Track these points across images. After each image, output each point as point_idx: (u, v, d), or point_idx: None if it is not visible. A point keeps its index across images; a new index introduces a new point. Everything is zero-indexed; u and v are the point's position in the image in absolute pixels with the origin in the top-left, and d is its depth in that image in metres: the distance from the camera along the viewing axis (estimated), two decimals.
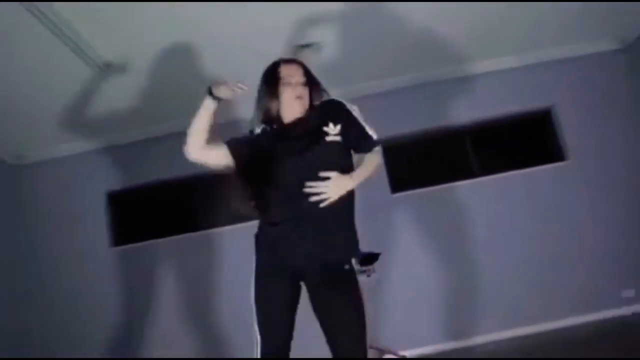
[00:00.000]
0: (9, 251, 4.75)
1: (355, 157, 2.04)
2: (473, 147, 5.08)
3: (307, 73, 2.00)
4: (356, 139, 1.98)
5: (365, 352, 1.81)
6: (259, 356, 1.86)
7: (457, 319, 4.67)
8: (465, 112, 5.02)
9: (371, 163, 1.98)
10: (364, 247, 4.36)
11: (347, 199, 1.90)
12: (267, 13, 3.49)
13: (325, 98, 2.03)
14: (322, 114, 1.96)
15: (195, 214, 5.05)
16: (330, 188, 1.81)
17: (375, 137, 2.03)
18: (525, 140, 5.16)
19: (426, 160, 5.12)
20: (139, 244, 4.94)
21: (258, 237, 1.98)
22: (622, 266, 4.67)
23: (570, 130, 4.96)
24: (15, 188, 4.98)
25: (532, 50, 4.95)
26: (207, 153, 1.99)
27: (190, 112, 4.42)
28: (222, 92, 1.87)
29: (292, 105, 1.92)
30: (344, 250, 1.90)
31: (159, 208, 5.11)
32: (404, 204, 4.89)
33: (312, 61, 4.12)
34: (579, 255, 4.71)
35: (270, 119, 1.95)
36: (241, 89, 1.85)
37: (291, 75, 1.93)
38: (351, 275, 1.86)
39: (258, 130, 2.04)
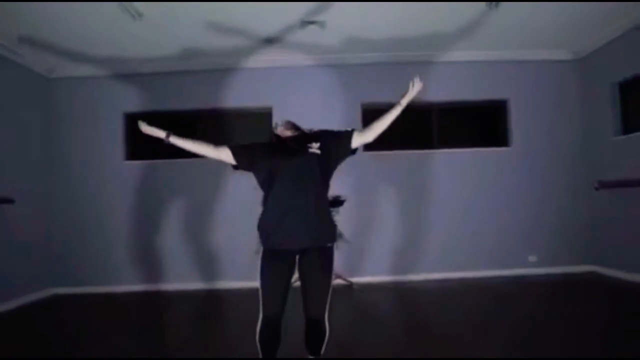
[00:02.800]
0: (40, 155, 5.63)
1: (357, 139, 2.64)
2: (437, 123, 6.06)
3: (295, 128, 2.66)
4: (339, 139, 2.58)
5: (325, 312, 2.43)
6: (260, 318, 2.42)
7: (399, 259, 5.80)
8: (435, 92, 5.89)
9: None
10: (339, 190, 5.44)
11: (324, 198, 2.50)
12: None
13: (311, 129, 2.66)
14: (308, 137, 2.56)
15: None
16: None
17: (350, 128, 2.64)
18: (481, 124, 6.18)
19: (396, 127, 6.05)
20: (148, 162, 5.87)
21: (260, 226, 2.47)
22: (532, 236, 5.86)
23: (518, 122, 5.97)
24: (46, 98, 5.75)
25: (499, 48, 5.83)
26: (217, 156, 2.57)
27: (199, 54, 5.10)
28: (159, 134, 2.62)
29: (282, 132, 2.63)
30: (326, 236, 2.45)
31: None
32: (374, 160, 5.88)
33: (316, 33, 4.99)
34: (501, 223, 5.86)
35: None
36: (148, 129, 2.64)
37: (282, 133, 2.63)
38: (330, 254, 2.46)
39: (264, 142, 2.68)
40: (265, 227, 2.45)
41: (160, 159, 5.80)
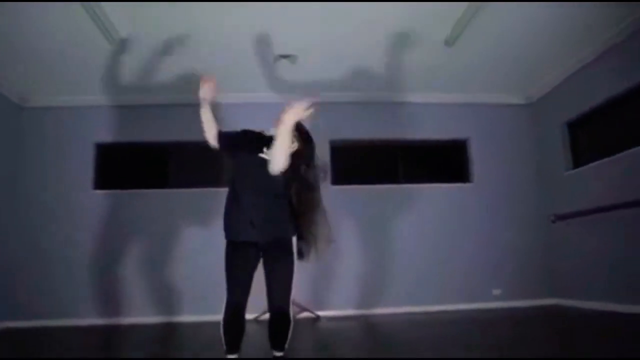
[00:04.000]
0: (8, 181, 5.60)
1: None
2: (402, 160, 6.33)
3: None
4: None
5: (288, 302, 2.46)
6: (224, 304, 2.44)
7: (365, 292, 5.81)
8: (401, 131, 6.25)
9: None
10: None
11: (284, 194, 2.56)
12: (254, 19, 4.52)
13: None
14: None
15: (168, 173, 6.01)
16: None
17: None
18: (443, 161, 6.49)
19: (363, 163, 6.33)
20: (118, 191, 5.86)
21: (227, 211, 2.55)
22: (496, 270, 5.99)
23: (478, 160, 6.30)
24: (17, 127, 5.79)
25: (461, 92, 6.26)
26: (206, 127, 2.70)
27: (177, 88, 5.44)
28: (205, 94, 2.65)
29: None
30: (285, 229, 2.52)
31: (139, 164, 6.05)
32: (341, 194, 6.01)
33: (286, 70, 5.28)
34: (466, 257, 6.00)
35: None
36: (208, 84, 2.62)
37: None
38: (289, 246, 2.51)
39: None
40: (226, 219, 2.55)
41: (130, 189, 5.81)
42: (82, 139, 5.91)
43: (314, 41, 4.90)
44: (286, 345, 2.58)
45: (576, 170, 5.64)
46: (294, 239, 2.57)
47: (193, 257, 5.61)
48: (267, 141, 2.60)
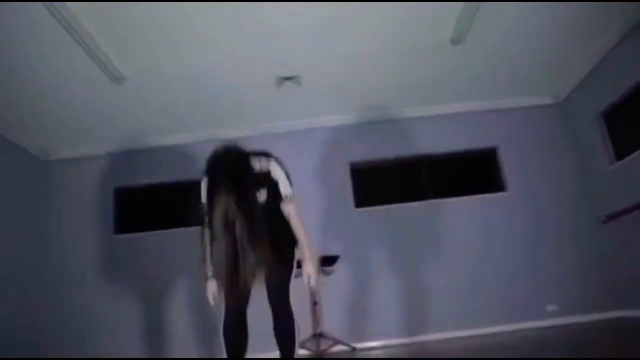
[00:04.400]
0: (34, 233, 5.65)
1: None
2: (427, 175, 5.99)
3: None
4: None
5: (288, 299, 2.42)
6: (224, 312, 2.41)
7: (404, 319, 5.33)
8: (424, 145, 5.96)
9: (297, 229, 2.52)
10: (332, 250, 5.23)
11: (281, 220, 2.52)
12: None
13: None
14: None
15: (188, 212, 5.91)
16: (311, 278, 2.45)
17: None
18: (473, 172, 6.09)
19: (386, 183, 6.03)
20: (139, 234, 5.80)
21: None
22: (548, 283, 5.39)
23: (510, 167, 5.87)
24: (41, 180, 5.90)
25: (481, 99, 5.97)
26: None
27: (191, 128, 5.46)
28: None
29: None
30: (290, 240, 2.52)
31: (158, 205, 6.00)
32: (365, 217, 5.72)
33: (293, 92, 5.21)
34: (511, 272, 5.45)
35: None
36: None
37: None
38: (292, 255, 2.52)
39: None
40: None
41: (148, 230, 5.75)
42: (103, 185, 5.95)
43: (316, 60, 4.81)
44: (295, 353, 2.39)
45: (619, 162, 5.11)
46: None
47: None
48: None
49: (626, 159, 4.98)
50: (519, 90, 5.88)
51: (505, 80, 5.63)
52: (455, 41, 4.67)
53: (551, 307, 5.32)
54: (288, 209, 2.48)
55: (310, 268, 2.43)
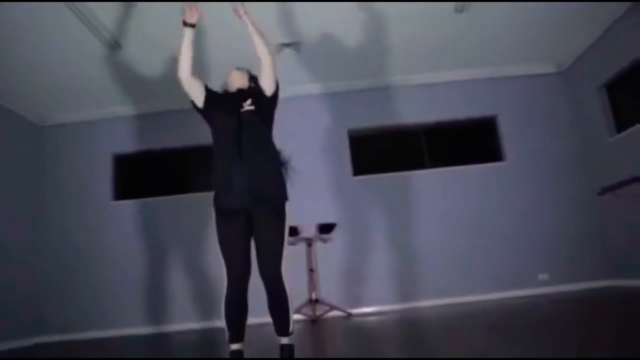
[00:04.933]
0: (32, 196, 5.68)
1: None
2: (427, 143, 5.96)
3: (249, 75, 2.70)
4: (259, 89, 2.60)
5: (280, 268, 2.34)
6: (226, 285, 2.35)
7: (400, 286, 5.44)
8: (423, 113, 5.91)
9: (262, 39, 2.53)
10: (330, 217, 5.27)
11: (270, 154, 2.49)
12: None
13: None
14: (247, 92, 2.57)
15: (187, 179, 5.93)
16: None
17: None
18: (472, 141, 6.07)
19: (385, 151, 6.01)
20: (138, 200, 5.80)
21: (213, 180, 2.45)
22: (540, 252, 5.48)
23: (510, 137, 5.84)
24: (38, 145, 5.87)
25: (484, 66, 5.85)
26: (192, 80, 2.50)
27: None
28: (189, 17, 2.45)
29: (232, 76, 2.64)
30: (275, 194, 2.41)
31: (157, 171, 6.00)
32: (364, 185, 5.73)
33: (294, 61, 5.10)
34: (506, 241, 5.53)
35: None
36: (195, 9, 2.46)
37: (231, 82, 2.65)
38: (282, 211, 2.39)
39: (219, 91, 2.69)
40: (215, 187, 2.44)
41: (151, 196, 5.77)
42: (101, 151, 5.91)
43: (317, 27, 4.69)
44: (291, 330, 2.40)
45: (620, 134, 5.09)
46: (287, 205, 2.45)
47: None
48: (244, 96, 2.52)
49: (627, 131, 4.96)
50: (521, 58, 5.77)
51: (508, 48, 5.51)
52: (459, 9, 4.54)
53: (542, 276, 5.44)
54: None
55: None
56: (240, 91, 2.57)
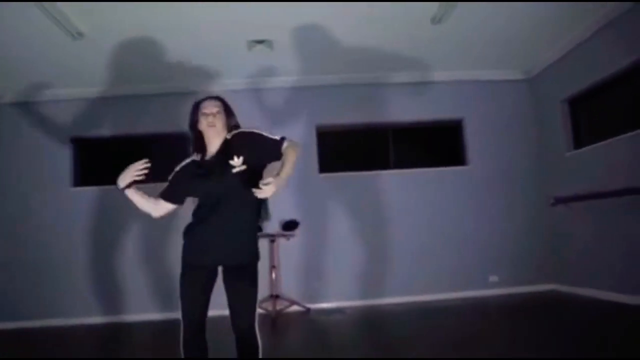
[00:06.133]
0: None
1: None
2: (393, 144, 6.02)
3: (224, 105, 2.41)
4: (267, 149, 2.34)
5: (254, 320, 2.31)
6: (182, 329, 2.30)
7: (357, 283, 5.60)
8: (392, 113, 5.92)
9: (290, 158, 2.26)
10: (293, 215, 5.32)
11: (250, 211, 2.34)
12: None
13: (238, 130, 2.42)
14: (231, 147, 2.32)
15: (151, 167, 5.79)
16: (266, 190, 2.12)
17: (279, 137, 2.37)
18: (438, 144, 6.17)
19: (352, 149, 6.05)
20: (99, 187, 5.65)
21: (186, 233, 2.38)
22: (493, 256, 5.74)
23: (474, 141, 5.97)
24: None
25: (451, 69, 5.86)
26: (164, 211, 2.48)
27: (150, 77, 5.18)
28: (124, 180, 2.32)
29: (207, 133, 2.34)
30: (249, 254, 2.36)
31: (120, 158, 5.80)
32: (329, 183, 5.79)
33: (265, 55, 4.98)
34: (461, 243, 5.76)
35: (198, 148, 2.39)
36: (141, 170, 2.31)
37: (207, 107, 2.35)
38: (253, 270, 2.36)
39: (188, 160, 2.45)
40: (186, 238, 2.38)
41: (111, 184, 5.61)
42: (59, 134, 5.68)
43: (290, 25, 4.56)
44: None
45: (577, 151, 5.29)
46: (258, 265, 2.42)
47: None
48: (229, 152, 2.31)
49: (585, 149, 5.15)
50: (491, 64, 5.81)
51: (479, 54, 5.51)
52: (436, 21, 4.51)
53: (493, 278, 5.72)
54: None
55: (274, 185, 2.14)
56: (221, 151, 2.35)
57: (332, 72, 5.72)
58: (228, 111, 2.43)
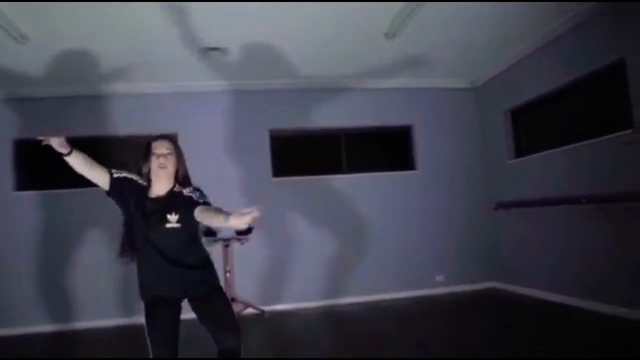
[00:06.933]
0: None
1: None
2: (346, 148, 6.17)
3: (176, 147, 2.41)
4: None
5: (240, 337, 2.34)
6: None
7: (309, 285, 5.75)
8: (343, 118, 6.05)
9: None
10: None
11: (194, 247, 2.40)
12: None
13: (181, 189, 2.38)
14: (173, 201, 2.31)
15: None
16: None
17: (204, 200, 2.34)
18: (388, 149, 6.38)
19: (306, 152, 6.14)
20: (43, 192, 5.44)
21: (138, 275, 2.37)
22: (439, 256, 6.07)
23: (422, 147, 6.21)
24: None
25: (402, 77, 6.00)
26: (96, 177, 2.32)
27: (97, 78, 4.94)
28: (59, 149, 2.25)
29: (157, 173, 2.32)
30: (209, 280, 2.43)
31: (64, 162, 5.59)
32: (282, 187, 5.86)
33: (222, 61, 4.92)
34: (410, 245, 6.02)
35: (147, 181, 2.38)
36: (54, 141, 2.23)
37: (158, 148, 2.33)
38: (219, 292, 2.42)
39: (141, 181, 2.38)
40: (141, 281, 2.36)
41: (57, 188, 5.43)
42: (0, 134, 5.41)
43: (244, 35, 4.55)
44: None
45: (518, 159, 5.64)
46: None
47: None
48: (165, 207, 2.29)
49: (524, 158, 5.51)
50: (439, 73, 5.98)
51: (428, 64, 5.65)
52: (390, 36, 4.63)
53: (439, 277, 6.04)
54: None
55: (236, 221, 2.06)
56: (159, 199, 2.34)
57: (285, 77, 5.73)
58: (178, 154, 2.42)
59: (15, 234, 5.30)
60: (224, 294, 2.44)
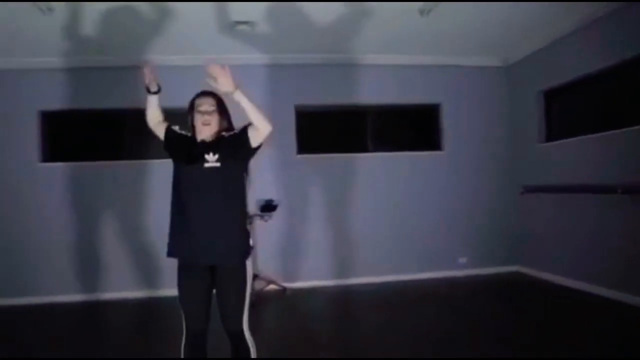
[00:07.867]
0: None
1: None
2: (371, 126, 6.05)
3: (219, 103, 2.44)
4: (236, 144, 2.39)
5: (242, 322, 2.36)
6: (184, 334, 2.36)
7: (333, 263, 5.76)
8: (369, 95, 5.91)
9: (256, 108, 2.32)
10: (272, 194, 5.32)
11: (233, 210, 2.37)
12: None
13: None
14: (216, 143, 2.37)
15: (124, 144, 5.61)
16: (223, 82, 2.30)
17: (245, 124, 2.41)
18: (415, 128, 6.24)
19: (331, 129, 6.04)
20: (70, 164, 5.45)
21: (171, 230, 2.39)
22: (463, 239, 6.01)
23: (450, 126, 6.07)
24: None
25: (432, 53, 5.83)
26: (157, 127, 2.56)
27: (125, 49, 4.86)
28: (150, 85, 2.47)
29: (200, 129, 2.40)
30: (237, 254, 2.37)
31: (92, 133, 5.61)
32: (307, 164, 5.79)
33: (249, 34, 4.81)
34: (434, 226, 5.97)
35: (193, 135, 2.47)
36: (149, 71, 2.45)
37: (201, 105, 2.40)
38: (243, 269, 2.37)
39: (184, 133, 2.52)
40: (173, 240, 2.38)
41: (82, 160, 5.44)
42: (25, 106, 5.37)
43: (272, 7, 4.40)
44: None
45: (549, 143, 5.48)
46: (248, 263, 2.41)
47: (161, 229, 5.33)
48: (209, 148, 2.35)
49: (556, 142, 5.35)
50: (470, 50, 5.80)
51: (460, 41, 5.47)
52: (425, 13, 4.47)
53: (462, 259, 5.99)
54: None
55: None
56: (204, 143, 2.40)
57: (312, 51, 5.59)
58: (222, 109, 2.47)
59: (41, 205, 5.33)
60: (245, 273, 2.39)
